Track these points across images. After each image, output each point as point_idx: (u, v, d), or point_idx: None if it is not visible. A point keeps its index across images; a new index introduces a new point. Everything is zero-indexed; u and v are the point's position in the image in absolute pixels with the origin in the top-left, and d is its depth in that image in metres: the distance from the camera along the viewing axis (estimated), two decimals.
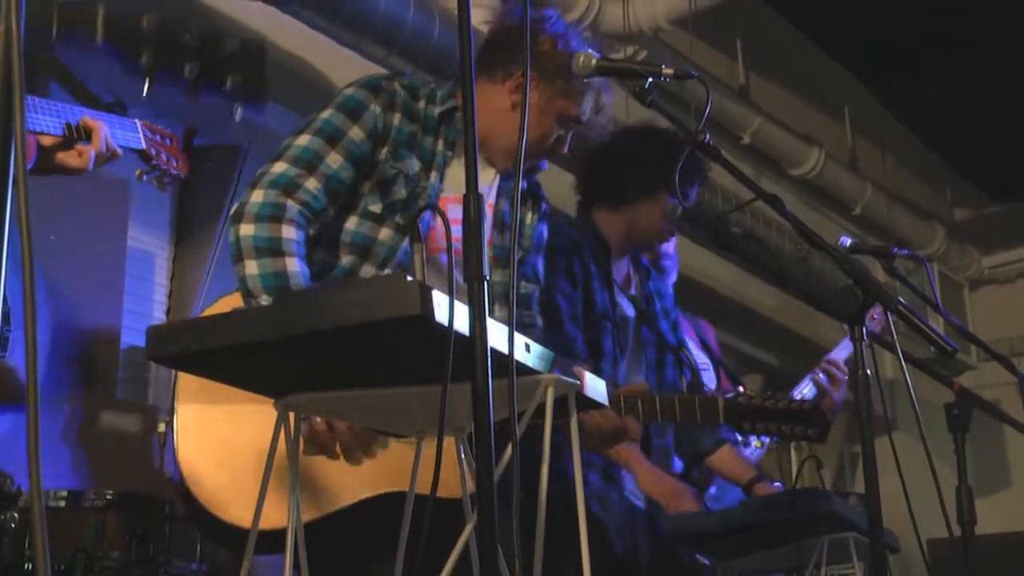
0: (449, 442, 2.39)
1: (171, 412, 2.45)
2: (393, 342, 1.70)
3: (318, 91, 4.47)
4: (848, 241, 2.84)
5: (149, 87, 2.10)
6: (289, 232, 2.39)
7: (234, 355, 1.73)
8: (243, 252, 2.37)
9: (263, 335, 1.68)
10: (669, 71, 2.45)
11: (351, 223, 2.55)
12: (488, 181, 2.71)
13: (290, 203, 2.43)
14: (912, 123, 8.33)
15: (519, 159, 1.88)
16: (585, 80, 2.64)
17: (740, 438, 3.50)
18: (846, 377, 3.67)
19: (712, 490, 3.55)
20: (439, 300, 1.60)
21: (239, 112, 2.18)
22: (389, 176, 2.56)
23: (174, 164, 2.79)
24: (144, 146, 2.71)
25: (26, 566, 2.92)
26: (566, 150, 2.72)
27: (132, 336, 4.53)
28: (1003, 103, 7.46)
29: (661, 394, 2.86)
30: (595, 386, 2.00)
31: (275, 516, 2.31)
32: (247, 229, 2.38)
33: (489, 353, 1.60)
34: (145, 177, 2.77)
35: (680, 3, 5.78)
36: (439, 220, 2.57)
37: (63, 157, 2.50)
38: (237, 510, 2.36)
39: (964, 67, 7.29)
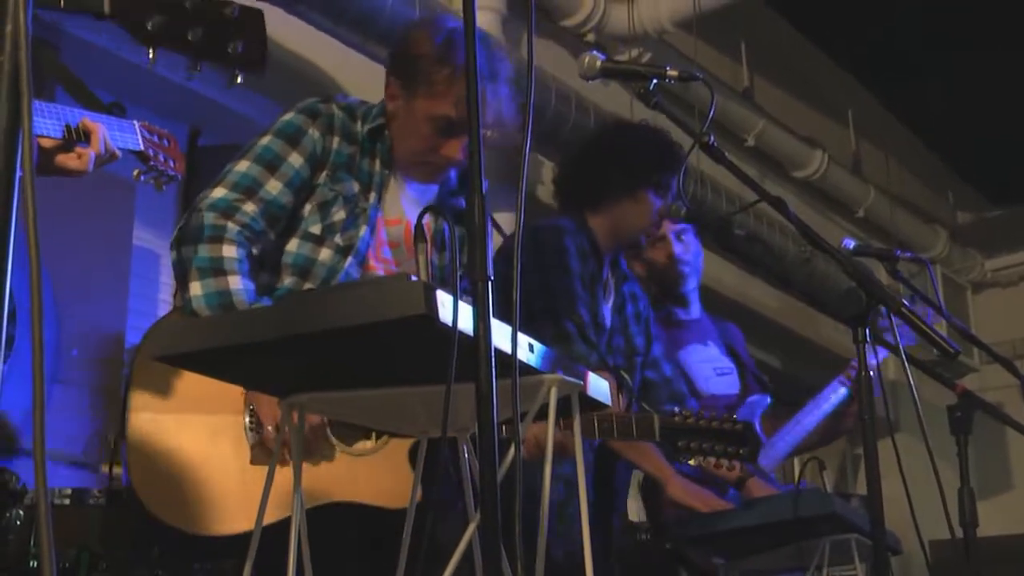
0: (403, 448, 2.42)
1: (122, 422, 2.47)
2: (397, 342, 1.71)
3: (323, 92, 4.48)
4: (851, 243, 2.84)
5: (154, 54, 2.12)
6: (230, 251, 2.44)
7: (239, 355, 1.74)
8: (187, 274, 2.43)
9: (268, 335, 1.69)
10: (673, 73, 2.45)
11: (292, 245, 2.58)
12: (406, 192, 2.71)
13: (230, 224, 2.47)
14: (915, 126, 8.34)
15: (523, 170, 1.88)
16: (448, 76, 2.58)
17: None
18: (878, 382, 3.63)
19: (731, 491, 3.54)
20: (443, 300, 1.61)
21: (240, 78, 2.20)
22: (328, 198, 2.59)
23: (172, 165, 2.80)
24: (142, 147, 2.72)
25: (31, 564, 2.93)
26: (460, 156, 2.63)
27: (137, 335, 4.54)
28: (1005, 106, 7.46)
29: (599, 412, 2.84)
30: (598, 386, 2.00)
31: (227, 522, 2.34)
32: (188, 251, 2.45)
33: (493, 353, 1.60)
34: (143, 178, 2.79)
35: (684, 6, 5.78)
36: (377, 240, 2.61)
37: (63, 159, 2.52)
38: (185, 518, 2.39)
39: (966, 70, 7.29)
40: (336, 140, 2.63)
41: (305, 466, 2.39)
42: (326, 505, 2.40)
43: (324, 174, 2.60)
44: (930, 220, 8.54)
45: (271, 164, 2.56)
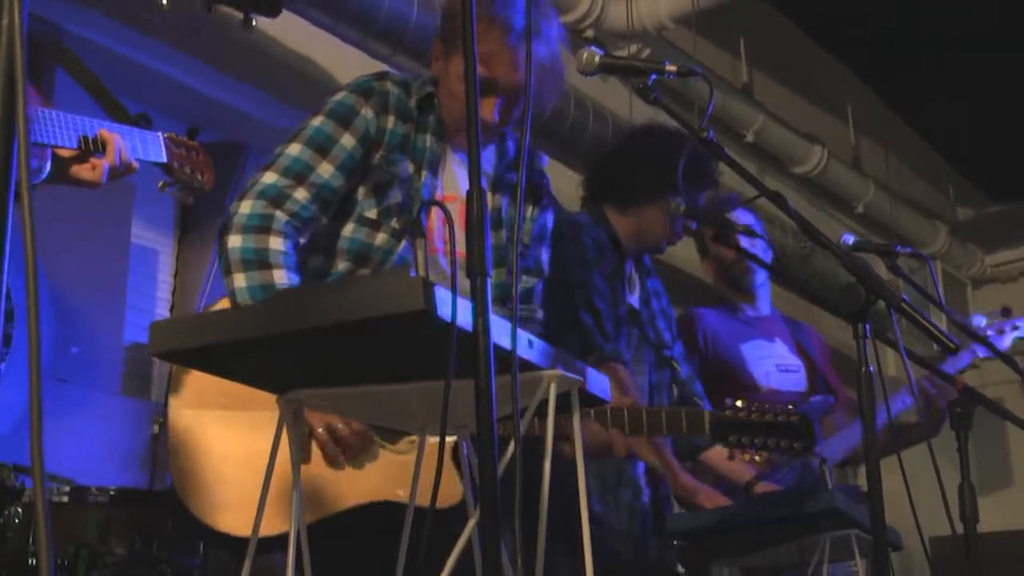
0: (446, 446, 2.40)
1: (164, 417, 2.45)
2: (396, 338, 1.70)
3: (322, 89, 4.47)
4: (851, 239, 2.84)
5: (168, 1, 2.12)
6: (276, 243, 2.39)
7: (237, 351, 1.73)
8: (231, 265, 2.37)
9: (266, 331, 1.68)
10: (672, 68, 2.44)
11: (348, 230, 2.53)
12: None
13: (278, 214, 2.42)
14: (914, 122, 8.33)
15: (524, 159, 1.87)
16: (480, 30, 2.51)
17: None
18: (953, 389, 3.59)
19: None
20: (442, 296, 1.60)
21: (254, 21, 2.18)
22: (384, 180, 2.53)
23: (199, 177, 2.80)
24: (166, 160, 2.72)
25: (30, 561, 2.93)
26: (493, 118, 2.58)
27: (135, 332, 4.54)
28: (1005, 102, 7.45)
29: (648, 407, 2.84)
30: (598, 382, 2.00)
31: (267, 523, 2.31)
32: (235, 241, 2.38)
33: (492, 349, 1.60)
34: (169, 190, 2.79)
35: (683, 1, 5.78)
36: (432, 221, 2.57)
37: (77, 170, 2.53)
38: (225, 516, 2.36)
39: (966, 66, 7.29)
40: (391, 119, 2.57)
41: (348, 466, 2.38)
42: (370, 504, 2.38)
43: (379, 155, 2.54)
44: (930, 216, 8.53)
45: (323, 147, 2.49)
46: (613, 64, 2.56)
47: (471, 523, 1.83)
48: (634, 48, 6.00)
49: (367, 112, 2.54)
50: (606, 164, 3.49)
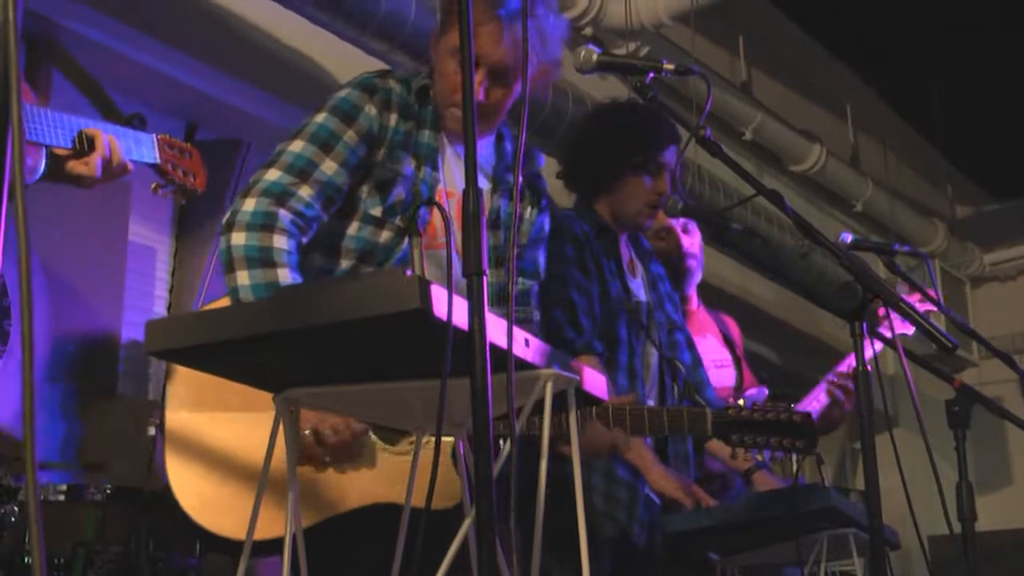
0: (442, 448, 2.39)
1: (160, 418, 2.43)
2: (392, 336, 1.69)
3: (320, 86, 4.48)
4: (849, 237, 2.83)
5: None
6: (281, 242, 2.36)
7: (233, 349, 1.72)
8: (234, 262, 2.34)
9: (262, 329, 1.68)
10: (670, 66, 2.44)
11: (353, 228, 2.51)
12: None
13: (282, 212, 2.39)
14: (913, 120, 8.33)
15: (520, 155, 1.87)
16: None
17: None
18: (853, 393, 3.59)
19: (738, 483, 3.51)
20: (438, 294, 1.59)
21: None
22: (387, 178, 2.51)
23: (191, 179, 2.80)
24: (159, 161, 2.73)
25: (26, 559, 2.93)
26: (481, 95, 2.52)
27: (132, 330, 4.53)
28: (1004, 99, 7.45)
29: (649, 407, 2.84)
30: (595, 381, 1.99)
31: (264, 526, 2.30)
32: (239, 238, 2.35)
33: (488, 348, 1.59)
34: (161, 191, 2.79)
35: None
36: (436, 216, 2.55)
37: (73, 166, 2.55)
38: (219, 518, 2.34)
39: (965, 63, 7.28)
40: (394, 117, 2.54)
41: (347, 468, 2.38)
42: (370, 506, 2.36)
43: (382, 152, 2.52)
44: (928, 214, 8.53)
45: (326, 144, 2.47)
46: (611, 62, 2.56)
47: (466, 522, 1.83)
48: (632, 46, 6.00)
49: (370, 109, 2.52)
50: (568, 157, 3.49)
